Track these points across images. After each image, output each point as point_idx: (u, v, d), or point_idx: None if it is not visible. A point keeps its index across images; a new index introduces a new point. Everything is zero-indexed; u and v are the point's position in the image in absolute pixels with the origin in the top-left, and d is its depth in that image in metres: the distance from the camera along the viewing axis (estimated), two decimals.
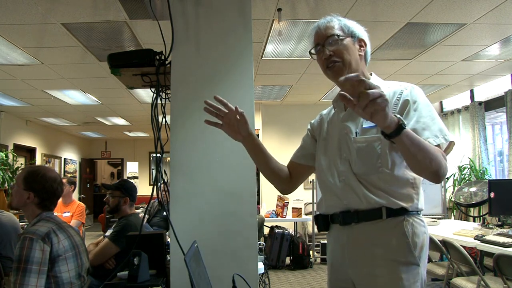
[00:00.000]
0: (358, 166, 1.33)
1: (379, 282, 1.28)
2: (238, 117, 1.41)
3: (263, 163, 1.51)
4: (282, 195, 6.03)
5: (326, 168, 1.43)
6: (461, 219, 5.60)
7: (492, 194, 3.81)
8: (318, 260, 6.13)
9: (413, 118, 1.27)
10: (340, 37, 1.37)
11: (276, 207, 6.12)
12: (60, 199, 2.96)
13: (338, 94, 1.21)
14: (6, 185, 6.11)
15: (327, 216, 1.44)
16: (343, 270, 1.37)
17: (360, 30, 1.43)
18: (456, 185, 6.08)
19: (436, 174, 1.18)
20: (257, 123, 7.31)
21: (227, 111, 1.41)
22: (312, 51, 1.44)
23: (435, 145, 1.21)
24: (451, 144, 1.31)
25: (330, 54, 1.37)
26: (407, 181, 1.31)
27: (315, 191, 5.96)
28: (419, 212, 1.34)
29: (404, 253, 1.27)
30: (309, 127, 1.62)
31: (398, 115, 1.10)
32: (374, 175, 1.30)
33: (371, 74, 1.46)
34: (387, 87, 1.37)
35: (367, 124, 1.33)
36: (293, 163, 1.60)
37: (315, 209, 6.03)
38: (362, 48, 1.42)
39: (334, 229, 1.42)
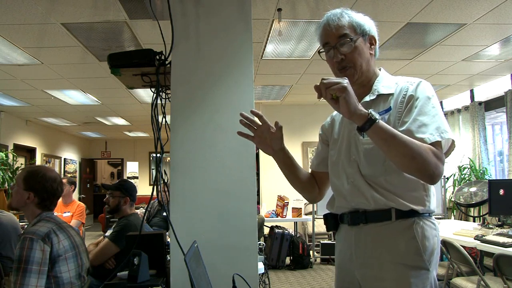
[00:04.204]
0: (365, 168, 1.30)
1: (386, 286, 1.24)
2: (272, 130, 1.40)
3: (294, 177, 1.50)
4: (282, 195, 6.04)
5: (335, 170, 1.41)
6: (461, 219, 5.59)
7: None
8: (318, 260, 6.13)
9: (412, 115, 1.23)
10: (352, 39, 1.31)
11: (276, 207, 6.12)
12: (60, 199, 2.96)
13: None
14: (6, 185, 6.11)
15: (336, 216, 1.42)
16: (351, 271, 1.34)
17: (371, 26, 1.37)
18: (456, 185, 6.08)
19: (423, 173, 1.15)
20: None
21: (260, 123, 1.41)
22: (322, 49, 1.37)
23: (429, 143, 1.17)
24: (452, 145, 1.27)
25: (342, 58, 1.32)
26: (418, 182, 1.26)
27: None
28: (430, 214, 1.29)
29: (414, 257, 1.22)
30: (320, 131, 1.58)
31: (371, 110, 1.13)
32: (381, 177, 1.27)
33: (380, 69, 1.42)
34: (395, 83, 1.35)
35: None
36: (313, 172, 1.58)
37: (315, 209, 6.03)
38: (372, 46, 1.38)
39: (343, 229, 1.40)
